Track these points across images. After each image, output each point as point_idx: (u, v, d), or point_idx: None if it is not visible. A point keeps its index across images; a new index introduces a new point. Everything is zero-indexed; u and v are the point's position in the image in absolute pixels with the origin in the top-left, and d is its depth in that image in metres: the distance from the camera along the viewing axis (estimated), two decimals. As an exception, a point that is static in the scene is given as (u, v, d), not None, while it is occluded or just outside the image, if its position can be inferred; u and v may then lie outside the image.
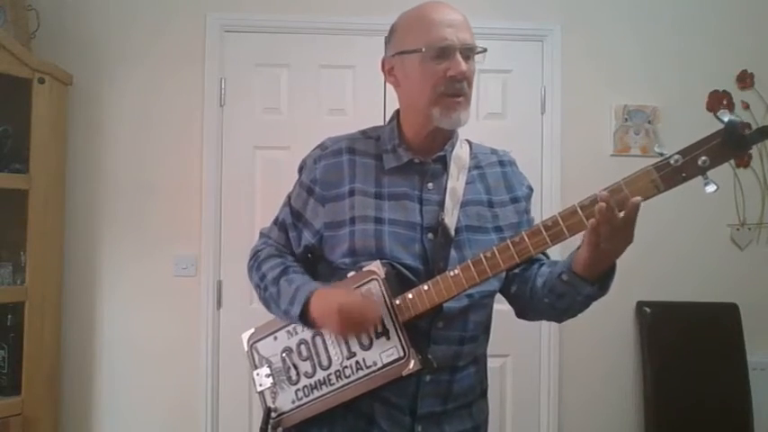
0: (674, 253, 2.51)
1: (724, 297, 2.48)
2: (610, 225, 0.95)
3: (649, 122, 2.52)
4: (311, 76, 2.45)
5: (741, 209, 2.54)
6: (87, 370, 2.40)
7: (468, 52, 1.15)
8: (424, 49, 1.13)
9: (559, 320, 1.24)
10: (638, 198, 0.94)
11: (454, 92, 1.14)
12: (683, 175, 0.92)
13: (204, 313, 2.40)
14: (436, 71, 1.13)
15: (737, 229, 2.55)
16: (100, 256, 2.41)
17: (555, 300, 1.14)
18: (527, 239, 1.02)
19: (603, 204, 0.94)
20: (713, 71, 2.54)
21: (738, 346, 2.42)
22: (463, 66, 1.12)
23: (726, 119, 0.90)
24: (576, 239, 1.05)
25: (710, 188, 0.92)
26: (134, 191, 2.42)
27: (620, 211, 0.95)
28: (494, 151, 1.31)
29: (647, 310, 2.46)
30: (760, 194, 2.56)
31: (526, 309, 1.24)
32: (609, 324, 2.48)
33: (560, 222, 0.99)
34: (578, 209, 0.98)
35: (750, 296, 2.49)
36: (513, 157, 1.32)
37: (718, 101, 2.54)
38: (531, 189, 1.31)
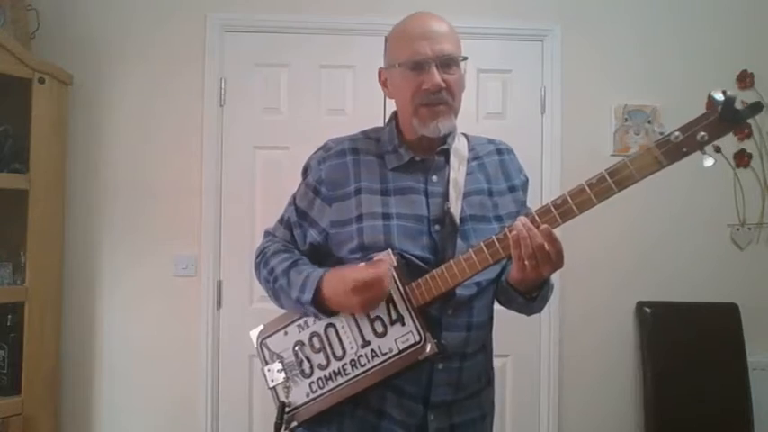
0: (674, 253, 2.51)
1: (724, 297, 2.48)
2: (531, 249, 1.02)
3: (649, 122, 2.52)
4: (311, 76, 2.45)
5: (741, 209, 2.54)
6: (87, 370, 2.40)
7: (448, 61, 1.17)
8: (398, 65, 1.19)
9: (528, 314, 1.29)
10: (546, 227, 1.02)
11: (431, 102, 1.17)
12: (684, 150, 0.97)
13: (204, 313, 2.40)
14: (413, 84, 1.17)
15: (737, 229, 2.55)
16: (100, 256, 2.42)
17: (504, 301, 1.25)
18: (538, 219, 1.04)
19: (516, 234, 1.03)
20: (713, 71, 2.54)
21: (738, 346, 2.42)
22: (437, 78, 1.15)
23: (719, 96, 0.95)
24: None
25: (708, 162, 0.97)
26: (134, 191, 2.42)
27: (619, 188, 0.99)
28: (491, 141, 1.34)
29: (647, 310, 2.46)
30: (760, 194, 2.55)
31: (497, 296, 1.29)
32: (609, 324, 2.49)
33: (569, 201, 1.02)
34: (586, 187, 1.01)
35: (750, 296, 2.49)
36: (510, 146, 1.35)
37: (718, 101, 2.53)
38: (526, 178, 1.34)
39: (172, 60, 2.43)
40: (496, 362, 2.35)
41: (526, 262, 1.03)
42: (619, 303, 2.49)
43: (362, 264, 1.14)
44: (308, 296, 1.15)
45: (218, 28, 2.43)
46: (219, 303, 2.42)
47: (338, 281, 1.12)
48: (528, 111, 2.51)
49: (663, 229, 2.45)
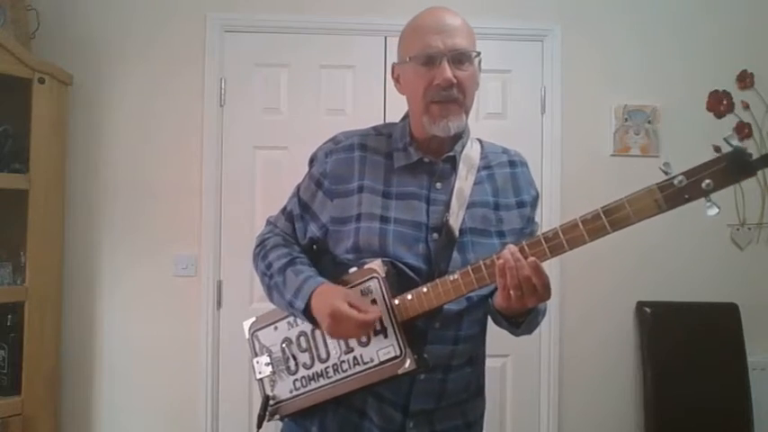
0: (674, 253, 2.51)
1: (724, 297, 2.48)
2: (517, 280, 1.00)
3: (649, 122, 2.52)
4: (311, 76, 2.45)
5: (741, 209, 2.54)
6: (87, 370, 2.40)
7: (460, 57, 1.14)
8: (409, 59, 1.16)
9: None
10: (533, 259, 0.99)
11: (442, 99, 1.14)
12: (686, 196, 0.93)
13: (204, 313, 2.40)
14: (424, 80, 1.14)
15: (737, 229, 2.55)
16: (100, 256, 2.42)
17: (493, 320, 1.23)
18: (527, 250, 1.02)
19: (502, 262, 1.00)
20: (713, 71, 2.54)
21: (738, 346, 2.42)
22: (448, 73, 1.12)
23: (734, 143, 0.90)
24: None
25: (712, 212, 0.93)
26: (134, 191, 2.42)
27: (613, 228, 0.96)
28: (505, 151, 1.30)
29: (647, 310, 2.46)
30: (760, 194, 2.56)
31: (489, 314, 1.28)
32: (609, 324, 2.49)
33: (560, 235, 0.99)
34: (579, 222, 0.98)
35: (750, 296, 2.50)
36: (524, 158, 1.32)
37: (718, 101, 2.54)
38: (537, 193, 1.30)
39: (172, 60, 2.43)
40: (497, 362, 2.41)
41: (511, 292, 1.01)
42: (619, 303, 2.49)
43: (356, 294, 1.13)
44: (300, 304, 1.14)
45: (218, 28, 2.43)
46: (219, 303, 2.42)
47: (324, 300, 1.11)
48: (528, 111, 2.51)
49: (663, 228, 2.45)
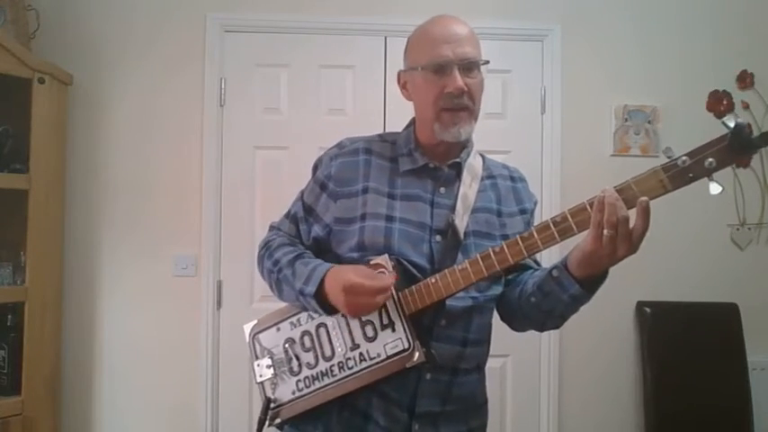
0: (674, 253, 2.51)
1: (724, 297, 2.48)
2: (616, 218, 0.95)
3: (649, 122, 2.52)
4: (311, 76, 2.45)
5: (741, 209, 2.54)
6: (87, 370, 2.40)
7: (470, 65, 1.17)
8: (420, 67, 1.18)
9: (542, 327, 1.24)
10: (645, 198, 0.95)
11: (454, 106, 1.17)
12: (690, 175, 0.94)
13: (204, 313, 2.40)
14: (435, 87, 1.16)
15: (737, 229, 2.55)
16: (100, 256, 2.41)
17: (541, 298, 1.14)
18: (536, 234, 1.02)
19: (603, 196, 0.95)
20: (713, 71, 2.54)
21: (738, 346, 2.43)
22: (459, 81, 1.14)
23: (732, 123, 0.92)
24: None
25: (715, 189, 0.94)
26: (134, 190, 2.42)
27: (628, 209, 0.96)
28: (505, 166, 1.34)
29: (647, 310, 2.46)
30: (760, 194, 2.56)
31: (511, 313, 1.26)
32: (609, 324, 2.49)
33: (569, 218, 1.00)
34: (587, 205, 0.99)
35: (750, 296, 2.49)
36: (524, 175, 1.35)
37: (718, 101, 2.54)
38: (536, 202, 1.35)
39: (172, 60, 2.43)
40: (497, 362, 2.40)
41: (605, 231, 0.95)
42: (618, 303, 2.49)
43: (366, 267, 1.13)
44: (311, 288, 1.14)
45: (218, 28, 2.43)
46: (219, 303, 2.42)
47: (336, 277, 1.12)
48: (528, 111, 2.51)
49: (663, 228, 2.45)
